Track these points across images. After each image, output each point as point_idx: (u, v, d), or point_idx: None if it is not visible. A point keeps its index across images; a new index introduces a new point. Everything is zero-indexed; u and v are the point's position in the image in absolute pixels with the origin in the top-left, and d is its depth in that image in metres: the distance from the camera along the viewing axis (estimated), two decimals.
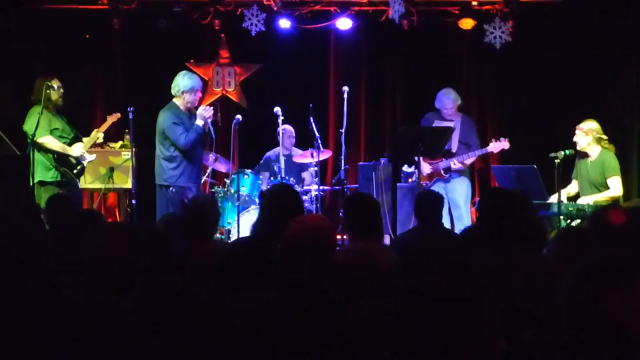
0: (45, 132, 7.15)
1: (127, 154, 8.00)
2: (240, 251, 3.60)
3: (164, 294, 2.72)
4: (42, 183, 7.18)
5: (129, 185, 7.92)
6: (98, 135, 7.70)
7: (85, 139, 7.55)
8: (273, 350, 2.49)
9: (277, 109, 8.01)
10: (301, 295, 2.69)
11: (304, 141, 8.76)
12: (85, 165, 7.46)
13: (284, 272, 2.82)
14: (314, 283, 2.79)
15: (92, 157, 7.60)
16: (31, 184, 7.12)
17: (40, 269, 2.63)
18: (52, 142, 7.19)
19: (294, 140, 8.90)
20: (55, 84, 7.26)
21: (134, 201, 7.38)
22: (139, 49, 9.24)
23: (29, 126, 7.13)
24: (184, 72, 7.57)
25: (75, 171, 7.31)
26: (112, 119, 7.77)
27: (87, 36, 9.20)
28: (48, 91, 7.14)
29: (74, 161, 7.29)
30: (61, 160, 7.22)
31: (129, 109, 7.37)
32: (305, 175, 8.90)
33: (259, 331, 2.53)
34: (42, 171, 7.18)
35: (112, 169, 8.12)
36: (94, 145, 7.82)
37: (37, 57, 8.67)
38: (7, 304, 2.52)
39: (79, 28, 9.09)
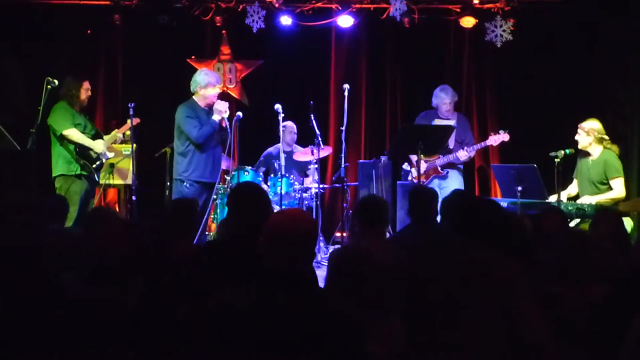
0: (69, 125, 7.24)
1: (127, 150, 8.01)
2: (219, 249, 3.63)
3: (164, 289, 2.73)
4: (63, 176, 7.25)
5: (129, 181, 7.93)
6: (118, 135, 7.74)
7: (105, 137, 7.59)
8: (259, 344, 2.50)
9: (278, 106, 8.01)
10: (285, 286, 2.70)
11: (305, 138, 8.77)
12: (104, 162, 7.52)
13: (267, 265, 2.83)
14: (297, 272, 2.80)
15: (111, 154, 7.66)
16: (53, 176, 7.26)
17: (41, 265, 2.64)
18: (76, 135, 7.26)
19: (295, 136, 8.91)
20: (86, 85, 7.42)
21: (134, 197, 7.39)
22: (140, 45, 9.24)
23: (52, 120, 7.24)
24: (202, 69, 7.73)
25: (94, 166, 7.35)
26: (133, 122, 7.71)
27: (89, 32, 9.19)
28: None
29: (94, 155, 7.35)
30: (82, 153, 7.28)
31: (129, 105, 7.41)
32: (309, 171, 8.91)
33: (245, 326, 2.53)
34: (64, 164, 7.25)
35: (112, 165, 8.14)
36: None
37: (39, 53, 8.67)
38: (7, 301, 2.53)
39: (80, 24, 9.08)
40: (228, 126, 7.35)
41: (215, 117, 7.22)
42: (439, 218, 4.90)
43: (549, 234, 3.99)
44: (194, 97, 7.38)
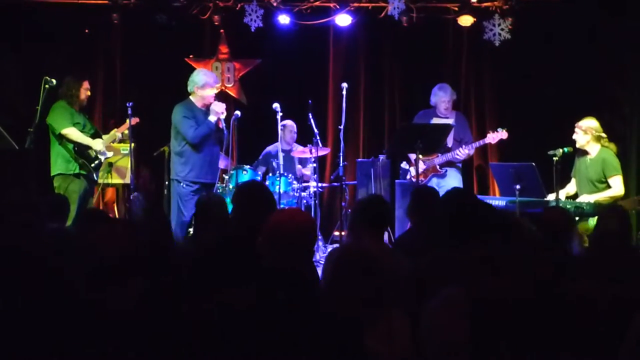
0: (68, 124, 7.26)
1: (125, 149, 8.01)
2: (219, 248, 3.62)
3: (163, 290, 2.73)
4: (61, 175, 7.27)
5: (127, 180, 7.93)
6: (117, 134, 7.75)
7: (104, 136, 7.60)
8: (259, 344, 2.50)
9: (276, 105, 8.01)
10: (284, 286, 2.70)
11: (303, 137, 8.77)
12: (102, 161, 7.53)
13: (266, 264, 2.82)
14: (296, 272, 2.79)
15: (110, 154, 7.67)
16: (52, 175, 7.28)
17: (40, 265, 2.63)
18: (75, 134, 7.29)
19: (295, 135, 8.90)
20: (86, 85, 7.46)
21: (131, 196, 7.39)
22: (138, 44, 9.23)
23: (51, 119, 7.26)
24: (200, 69, 7.68)
25: (92, 165, 7.37)
26: (131, 122, 7.71)
27: (87, 31, 9.18)
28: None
29: (93, 155, 7.37)
30: (81, 153, 7.29)
31: (127, 104, 7.41)
32: (305, 170, 8.91)
33: (245, 326, 2.53)
34: (62, 163, 7.28)
35: (111, 165, 8.14)
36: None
37: (37, 51, 8.66)
38: (6, 301, 2.53)
39: (78, 22, 9.07)
40: (225, 127, 7.33)
41: (212, 118, 7.19)
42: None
43: (553, 232, 4.00)
44: (190, 97, 7.35)
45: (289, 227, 2.84)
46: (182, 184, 7.20)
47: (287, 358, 2.47)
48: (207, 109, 7.28)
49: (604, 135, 7.25)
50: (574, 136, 7.23)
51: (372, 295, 2.70)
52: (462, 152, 7.94)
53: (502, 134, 7.87)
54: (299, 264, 2.80)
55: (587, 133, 7.19)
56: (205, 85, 7.28)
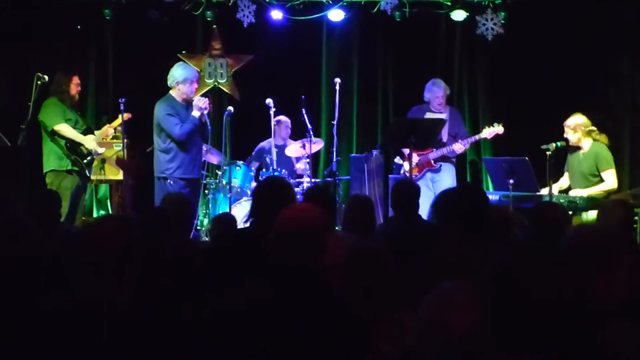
0: (60, 120, 7.22)
1: (118, 146, 7.98)
2: (231, 245, 3.60)
3: (157, 287, 2.72)
4: (54, 171, 7.24)
5: (120, 177, 7.90)
6: (109, 130, 7.72)
7: (97, 132, 7.57)
8: (266, 342, 2.49)
9: (269, 101, 8.00)
10: (293, 282, 2.68)
11: (296, 133, 8.76)
12: (95, 157, 7.49)
13: (276, 261, 2.81)
14: (306, 268, 2.78)
15: (102, 150, 7.63)
16: (44, 171, 7.25)
17: (35, 262, 2.62)
18: (67, 130, 7.25)
19: (289, 131, 8.88)
20: (76, 80, 7.41)
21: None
22: (131, 40, 9.20)
23: (43, 115, 7.22)
24: (179, 63, 7.56)
25: (85, 161, 7.34)
26: (124, 117, 7.67)
27: (78, 27, 9.15)
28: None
29: (85, 151, 7.33)
30: (73, 149, 7.26)
31: (120, 100, 7.34)
32: (299, 165, 8.89)
33: (253, 323, 2.53)
34: (55, 160, 7.24)
35: (103, 161, 8.11)
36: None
37: (28, 48, 8.62)
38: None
39: (70, 19, 9.03)
40: (208, 121, 7.24)
41: (195, 113, 7.06)
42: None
43: (547, 228, 4.00)
44: (170, 92, 7.21)
45: (298, 223, 2.79)
46: (169, 180, 7.07)
47: (295, 356, 2.46)
48: (188, 104, 7.18)
49: (593, 128, 7.26)
50: (565, 135, 7.25)
51: (382, 293, 2.67)
52: (458, 147, 7.93)
53: (498, 129, 7.88)
54: (308, 260, 2.75)
55: (576, 131, 7.22)
56: (186, 80, 7.15)
